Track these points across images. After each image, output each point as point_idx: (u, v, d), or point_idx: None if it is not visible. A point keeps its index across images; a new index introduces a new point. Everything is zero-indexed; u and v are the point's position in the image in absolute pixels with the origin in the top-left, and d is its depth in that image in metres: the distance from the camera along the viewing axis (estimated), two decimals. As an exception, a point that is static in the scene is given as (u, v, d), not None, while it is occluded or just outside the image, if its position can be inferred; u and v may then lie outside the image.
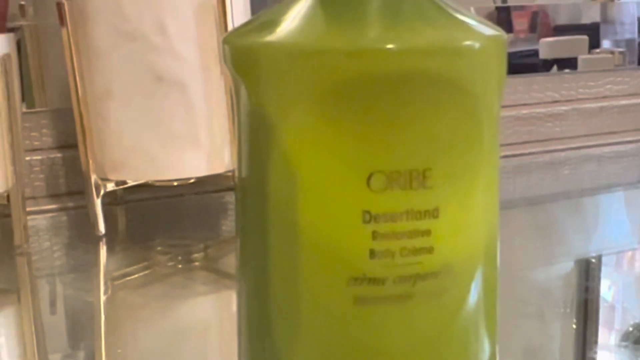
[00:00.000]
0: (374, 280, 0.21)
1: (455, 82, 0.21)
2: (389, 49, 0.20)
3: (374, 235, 0.21)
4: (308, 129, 0.21)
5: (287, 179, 0.21)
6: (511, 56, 0.69)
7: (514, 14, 0.69)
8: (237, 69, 0.22)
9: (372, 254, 0.21)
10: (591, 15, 0.71)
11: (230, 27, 0.41)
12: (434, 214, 0.21)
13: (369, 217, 0.21)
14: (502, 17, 0.68)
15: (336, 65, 0.20)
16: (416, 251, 0.21)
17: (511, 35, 0.69)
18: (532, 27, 0.70)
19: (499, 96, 0.23)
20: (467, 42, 0.21)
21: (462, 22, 0.22)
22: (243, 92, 0.22)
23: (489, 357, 0.24)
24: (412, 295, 0.21)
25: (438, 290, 0.22)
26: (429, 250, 0.21)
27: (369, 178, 0.21)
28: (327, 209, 0.21)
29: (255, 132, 0.22)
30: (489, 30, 0.22)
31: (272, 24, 0.22)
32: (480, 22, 0.23)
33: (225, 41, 0.22)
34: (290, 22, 0.21)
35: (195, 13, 0.41)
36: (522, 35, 0.69)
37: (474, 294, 0.23)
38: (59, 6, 0.42)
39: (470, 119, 0.21)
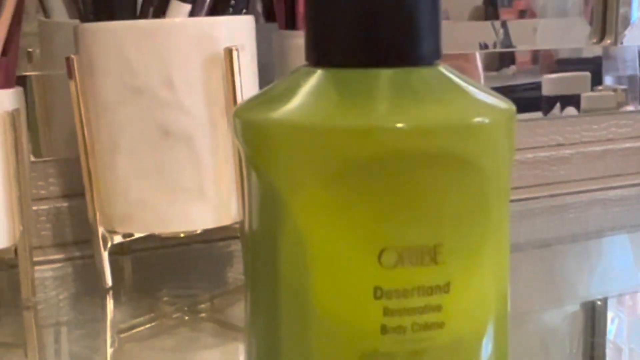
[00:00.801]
0: (385, 355, 0.21)
1: (465, 159, 0.21)
2: (399, 127, 0.20)
3: (386, 311, 0.21)
4: (319, 205, 0.21)
5: (298, 255, 0.21)
6: (514, 89, 0.70)
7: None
8: (248, 143, 0.22)
9: (384, 329, 0.21)
10: (593, 50, 0.72)
11: (237, 81, 0.42)
12: (444, 289, 0.21)
13: (381, 293, 0.21)
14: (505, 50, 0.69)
15: (346, 143, 0.20)
16: (427, 326, 0.21)
17: (513, 67, 0.69)
18: (535, 59, 0.70)
19: (509, 169, 0.23)
20: (478, 119, 0.21)
21: (471, 96, 0.22)
22: (253, 165, 0.22)
23: None
24: (422, 370, 0.21)
25: (449, 363, 0.22)
26: (440, 325, 0.21)
27: (380, 254, 0.21)
28: (339, 285, 0.21)
29: (265, 206, 0.22)
30: (498, 102, 0.22)
31: (283, 99, 0.22)
32: (488, 93, 0.23)
33: (236, 115, 0.23)
34: (300, 98, 0.22)
35: (203, 67, 0.42)
36: (524, 67, 0.70)
37: (485, 365, 0.23)
38: (68, 60, 0.42)
39: (479, 195, 0.21)
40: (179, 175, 0.42)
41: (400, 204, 0.21)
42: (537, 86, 0.70)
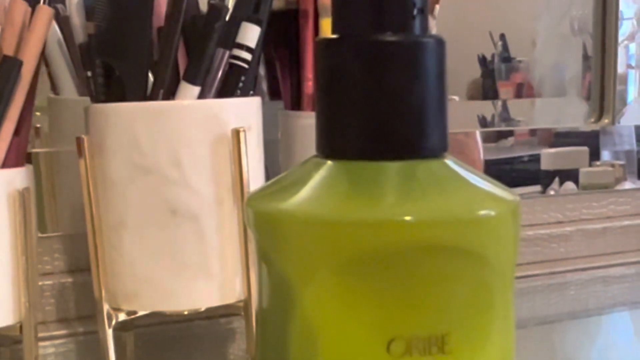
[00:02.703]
0: None
1: (471, 250, 0.21)
2: (407, 221, 0.21)
3: (395, 400, 0.21)
4: (329, 296, 0.21)
5: (309, 344, 0.22)
6: (512, 161, 0.70)
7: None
8: (259, 232, 0.23)
9: (393, 418, 0.21)
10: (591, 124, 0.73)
11: (244, 161, 0.43)
12: (452, 378, 0.21)
13: (390, 382, 0.21)
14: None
15: (355, 235, 0.21)
16: (436, 415, 0.21)
17: (512, 139, 0.70)
18: (533, 132, 0.71)
19: (514, 258, 0.23)
20: (483, 212, 0.22)
21: (477, 188, 0.23)
22: (265, 254, 0.23)
23: None
24: None
25: None
26: (448, 414, 0.21)
27: (389, 344, 0.21)
28: (349, 374, 0.21)
29: (276, 294, 0.23)
30: (503, 193, 0.23)
31: (294, 189, 0.23)
32: (493, 184, 0.23)
33: (248, 204, 0.23)
34: (310, 190, 0.22)
35: (210, 147, 0.42)
36: (522, 139, 0.71)
37: None
38: (79, 140, 0.43)
39: (485, 285, 0.22)
40: (184, 254, 0.43)
41: (408, 294, 0.21)
42: (536, 159, 0.71)
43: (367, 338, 0.21)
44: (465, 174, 0.23)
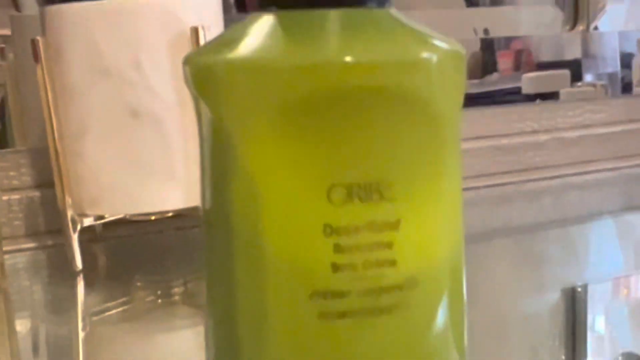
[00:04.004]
0: (337, 294, 0.21)
1: (413, 95, 0.21)
2: (346, 62, 0.20)
3: (336, 248, 0.21)
4: (268, 144, 0.21)
5: (249, 196, 0.21)
6: (495, 94, 0.70)
7: (498, 54, 0.69)
8: (198, 88, 0.22)
9: (335, 267, 0.21)
10: (573, 52, 0.72)
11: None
12: (395, 226, 0.21)
13: (330, 230, 0.21)
14: (487, 58, 0.69)
15: (294, 80, 0.20)
16: (379, 263, 0.21)
17: (496, 74, 0.69)
18: (516, 66, 0.71)
19: (459, 109, 0.23)
20: (425, 55, 0.21)
21: (422, 37, 0.22)
22: (204, 111, 0.22)
23: (458, 374, 0.24)
24: (376, 309, 0.21)
25: (403, 304, 0.22)
26: (392, 262, 0.21)
27: (329, 191, 0.21)
28: (289, 224, 0.21)
29: (216, 150, 0.22)
30: (449, 45, 0.22)
31: (232, 42, 0.22)
32: (441, 38, 0.23)
33: (185, 62, 0.23)
34: (249, 41, 0.22)
35: (170, 47, 0.42)
36: (506, 75, 0.70)
37: (441, 311, 0.23)
38: (34, 43, 0.42)
39: (429, 132, 0.21)
40: (148, 157, 0.42)
41: (348, 140, 0.21)
42: (519, 90, 0.70)
43: (306, 186, 0.21)
44: (410, 24, 0.22)
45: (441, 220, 0.22)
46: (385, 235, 0.21)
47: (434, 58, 0.21)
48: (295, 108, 0.20)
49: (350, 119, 0.21)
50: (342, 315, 0.21)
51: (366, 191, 0.21)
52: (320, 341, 0.21)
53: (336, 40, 0.21)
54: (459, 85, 0.23)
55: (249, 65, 0.21)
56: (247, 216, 0.21)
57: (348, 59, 0.20)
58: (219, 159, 0.22)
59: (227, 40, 0.22)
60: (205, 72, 0.22)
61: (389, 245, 0.21)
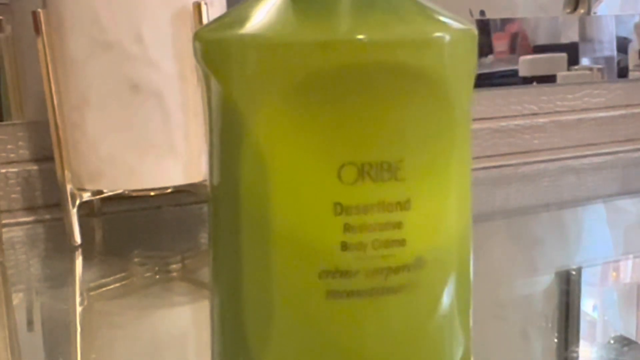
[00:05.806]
0: (345, 273, 0.21)
1: (425, 73, 0.21)
2: (359, 39, 0.20)
3: (346, 227, 0.21)
4: (279, 121, 0.21)
5: (259, 173, 0.21)
6: (491, 76, 0.70)
7: (494, 36, 0.69)
8: (208, 64, 0.22)
9: (344, 246, 0.21)
10: (570, 35, 0.72)
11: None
12: (405, 205, 0.21)
13: (340, 209, 0.21)
14: (482, 40, 0.69)
15: (307, 57, 0.20)
16: (388, 243, 0.21)
17: (491, 57, 0.69)
18: (512, 49, 0.70)
19: (470, 90, 0.23)
20: (437, 34, 0.21)
21: (434, 16, 0.22)
22: (214, 87, 0.22)
23: (463, 354, 0.24)
24: (384, 289, 0.21)
25: (411, 284, 0.22)
26: (401, 242, 0.21)
27: (339, 170, 0.20)
28: (299, 202, 0.21)
29: (226, 127, 0.22)
30: (461, 25, 0.22)
31: (244, 18, 0.22)
32: (453, 18, 0.23)
33: (196, 37, 0.22)
34: (261, 17, 0.21)
35: (172, 22, 0.41)
36: (501, 57, 0.70)
37: (448, 291, 0.23)
38: (35, 14, 0.42)
39: (441, 112, 0.21)
40: (148, 131, 0.42)
41: (360, 118, 0.20)
42: (515, 73, 0.70)
43: (317, 164, 0.20)
44: (423, 2, 0.22)
45: (451, 200, 0.22)
46: (395, 215, 0.21)
47: (447, 37, 0.21)
48: (307, 85, 0.20)
49: (362, 97, 0.20)
50: (350, 294, 0.21)
51: (377, 170, 0.21)
52: (328, 320, 0.21)
53: (349, 18, 0.21)
54: (471, 65, 0.22)
55: (262, 42, 0.21)
56: (256, 193, 0.21)
57: (361, 36, 0.20)
58: (228, 136, 0.22)
59: (239, 15, 0.22)
60: (217, 48, 0.22)
61: (399, 225, 0.21)
